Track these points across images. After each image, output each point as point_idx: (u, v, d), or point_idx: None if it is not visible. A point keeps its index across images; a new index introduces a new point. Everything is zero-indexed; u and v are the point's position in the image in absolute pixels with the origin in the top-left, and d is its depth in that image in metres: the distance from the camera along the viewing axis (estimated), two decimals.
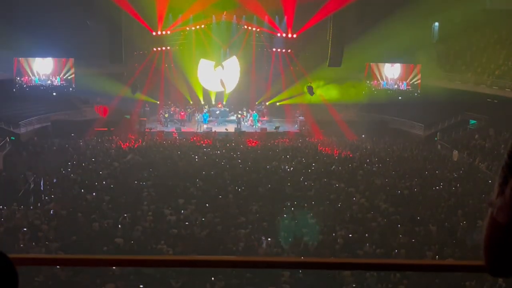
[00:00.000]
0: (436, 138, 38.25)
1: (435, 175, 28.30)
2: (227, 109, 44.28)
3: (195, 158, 29.98)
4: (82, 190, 22.75)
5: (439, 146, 36.71)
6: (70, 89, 41.64)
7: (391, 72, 44.05)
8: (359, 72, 43.85)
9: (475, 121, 38.98)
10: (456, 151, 33.39)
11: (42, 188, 23.70)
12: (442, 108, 39.91)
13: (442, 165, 31.02)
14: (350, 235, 17.76)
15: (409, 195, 23.71)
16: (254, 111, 43.28)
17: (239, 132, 39.17)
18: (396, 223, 19.32)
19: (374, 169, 28.85)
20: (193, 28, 43.69)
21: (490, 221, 1.86)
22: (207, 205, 20.76)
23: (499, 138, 34.26)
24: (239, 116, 42.25)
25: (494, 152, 32.02)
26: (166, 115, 42.38)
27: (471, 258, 14.84)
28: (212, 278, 13.67)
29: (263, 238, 17.29)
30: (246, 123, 42.23)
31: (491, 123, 37.00)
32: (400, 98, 43.46)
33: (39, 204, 20.95)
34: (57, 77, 41.37)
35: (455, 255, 16.01)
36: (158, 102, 44.47)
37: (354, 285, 14.06)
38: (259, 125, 41.88)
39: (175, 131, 39.05)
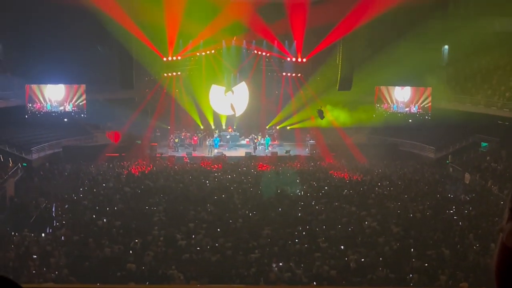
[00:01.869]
0: (447, 161, 38.03)
1: (447, 198, 28.13)
2: (238, 134, 44.39)
3: (206, 183, 29.99)
4: (94, 216, 22.77)
5: (450, 169, 36.51)
6: (82, 115, 41.95)
7: (401, 95, 44.05)
8: (369, 96, 43.87)
9: (486, 143, 38.78)
10: (468, 174, 33.17)
11: (53, 214, 23.75)
12: (453, 131, 39.85)
13: (454, 188, 30.81)
14: (363, 259, 17.62)
15: (421, 218, 23.53)
16: (266, 136, 43.38)
17: (249, 157, 39.19)
18: (409, 247, 19.15)
19: (385, 192, 28.70)
20: (203, 53, 43.95)
21: (501, 247, 1.84)
22: (218, 229, 20.71)
23: (511, 160, 34.05)
24: (255, 140, 42.30)
25: (506, 174, 31.83)
26: (177, 140, 42.52)
27: (485, 282, 14.68)
28: None
29: (274, 264, 17.15)
30: (260, 147, 42.27)
31: (502, 145, 36.83)
32: (410, 121, 43.42)
33: (50, 230, 20.97)
34: (69, 103, 41.72)
35: (469, 279, 15.83)
36: (169, 127, 44.66)
37: None
38: (269, 149, 41.98)
39: (186, 155, 39.16)
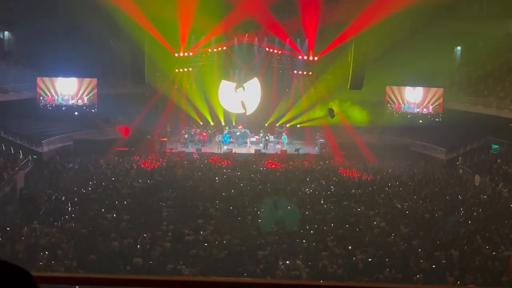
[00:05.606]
0: (458, 163, 37.83)
1: (457, 199, 27.98)
2: (248, 131, 44.36)
3: (215, 179, 30.00)
4: (102, 209, 22.83)
5: (461, 171, 36.31)
6: (93, 110, 42.05)
7: (412, 96, 43.90)
8: (380, 95, 43.77)
9: (497, 146, 38.51)
10: (478, 176, 32.99)
11: (62, 207, 23.82)
12: (464, 132, 39.65)
13: (464, 189, 30.66)
14: (370, 259, 17.55)
15: (430, 219, 23.44)
16: (284, 134, 43.39)
17: (259, 154, 39.16)
18: (417, 247, 19.08)
19: (395, 192, 28.59)
20: (215, 50, 44.03)
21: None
22: (226, 226, 20.70)
23: None
24: (267, 138, 42.27)
25: None
26: (187, 136, 42.56)
27: (494, 284, 14.61)
28: None
29: (280, 261, 17.12)
30: (270, 145, 42.28)
31: None
32: (420, 121, 43.27)
33: (59, 223, 21.04)
34: (82, 96, 41.83)
35: (477, 281, 15.74)
36: (179, 123, 44.72)
37: None
38: (279, 147, 42.01)
39: (196, 151, 39.19)
